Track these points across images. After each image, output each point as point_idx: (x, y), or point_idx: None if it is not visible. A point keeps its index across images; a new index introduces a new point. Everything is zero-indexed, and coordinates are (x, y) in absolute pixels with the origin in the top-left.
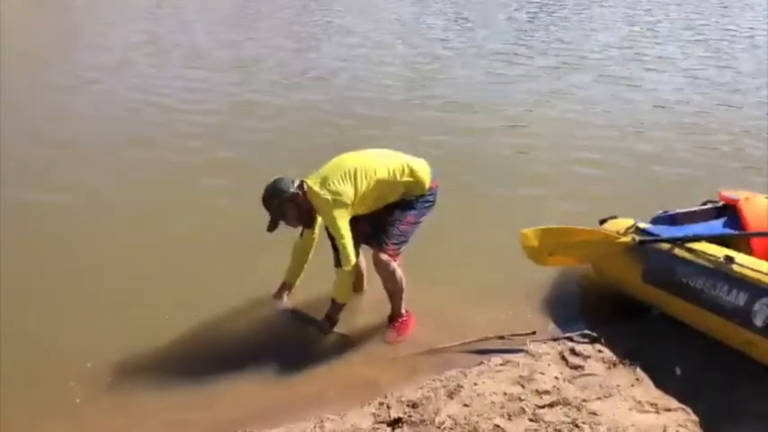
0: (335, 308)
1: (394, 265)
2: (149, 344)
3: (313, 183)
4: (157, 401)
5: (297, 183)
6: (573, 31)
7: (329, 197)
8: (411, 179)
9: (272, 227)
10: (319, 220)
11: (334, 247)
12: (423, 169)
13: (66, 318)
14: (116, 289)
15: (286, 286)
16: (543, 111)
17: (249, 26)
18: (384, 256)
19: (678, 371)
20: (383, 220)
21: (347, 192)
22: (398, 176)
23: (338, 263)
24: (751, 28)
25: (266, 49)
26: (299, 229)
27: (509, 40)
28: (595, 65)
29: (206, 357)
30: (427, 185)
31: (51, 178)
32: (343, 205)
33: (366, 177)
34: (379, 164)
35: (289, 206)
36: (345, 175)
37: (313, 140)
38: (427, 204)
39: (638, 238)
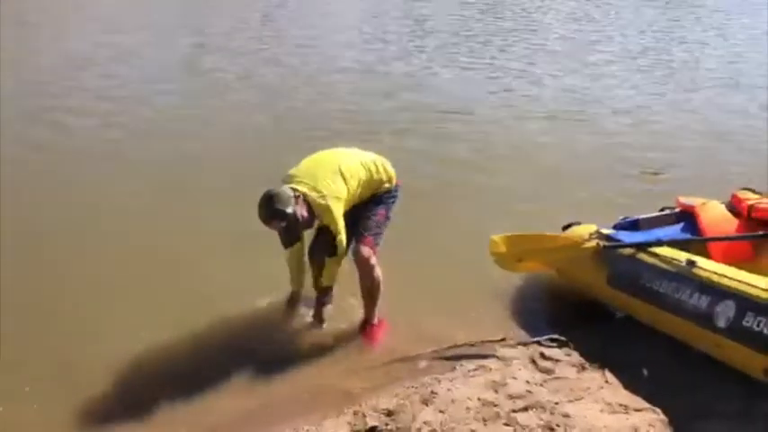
0: (326, 290)
1: (374, 259)
2: (115, 356)
3: (307, 189)
4: (126, 414)
5: (292, 195)
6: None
7: (330, 199)
8: (384, 175)
9: (288, 242)
10: None
11: (333, 243)
12: (389, 164)
13: (29, 331)
14: (80, 300)
15: (295, 297)
16: (512, 119)
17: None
18: (365, 249)
19: (645, 372)
20: (358, 216)
21: (342, 191)
22: (374, 173)
23: (333, 253)
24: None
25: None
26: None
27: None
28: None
29: (175, 370)
30: (394, 180)
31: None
32: (340, 204)
33: (351, 175)
34: (356, 161)
35: (292, 223)
36: (335, 175)
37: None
38: (392, 200)
39: (602, 243)
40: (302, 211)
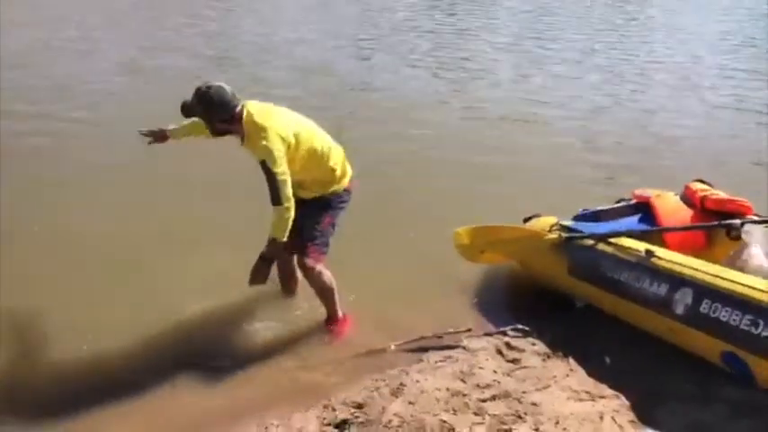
0: (274, 246)
1: (320, 267)
2: (74, 355)
3: (256, 113)
4: (89, 418)
5: (237, 106)
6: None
7: (271, 131)
8: (339, 169)
9: (185, 114)
10: None
11: (271, 185)
12: (346, 164)
13: None
14: (37, 298)
15: (165, 133)
16: (467, 119)
17: None
18: (309, 261)
19: (608, 360)
20: (301, 223)
21: (288, 134)
22: (327, 158)
23: (277, 201)
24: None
25: None
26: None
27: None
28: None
29: (142, 368)
30: (346, 181)
31: None
32: (281, 144)
33: (306, 137)
34: (317, 132)
35: (208, 120)
36: (289, 121)
37: None
38: (342, 205)
39: (564, 234)
40: (233, 122)
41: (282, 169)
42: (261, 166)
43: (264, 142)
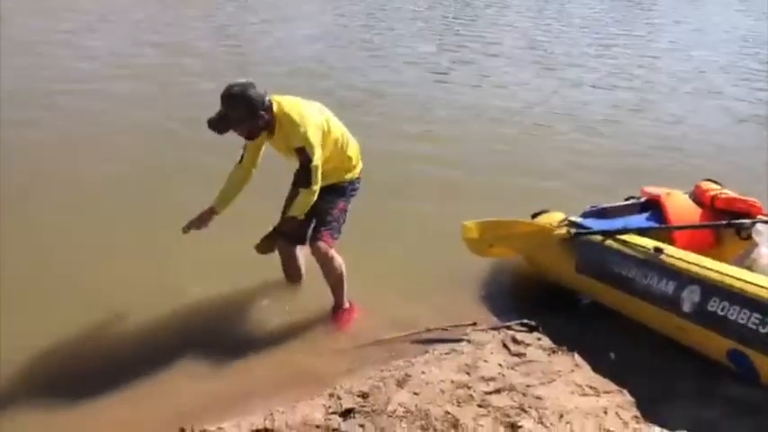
0: (290, 222)
1: (332, 252)
2: (78, 340)
3: (286, 104)
4: (95, 400)
5: (267, 98)
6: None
7: (308, 120)
8: (354, 158)
9: (223, 130)
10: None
11: (305, 169)
12: (359, 156)
13: None
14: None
15: (212, 212)
16: (474, 120)
17: None
18: (321, 244)
19: (612, 356)
20: (315, 209)
21: (322, 120)
22: (345, 146)
23: (306, 183)
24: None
25: None
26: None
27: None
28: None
29: (143, 352)
30: (358, 171)
31: None
32: (319, 132)
33: (333, 122)
34: (337, 122)
35: (253, 120)
36: (316, 109)
37: None
38: (354, 192)
39: (572, 230)
40: (264, 117)
41: (319, 155)
42: (297, 153)
43: (302, 129)
